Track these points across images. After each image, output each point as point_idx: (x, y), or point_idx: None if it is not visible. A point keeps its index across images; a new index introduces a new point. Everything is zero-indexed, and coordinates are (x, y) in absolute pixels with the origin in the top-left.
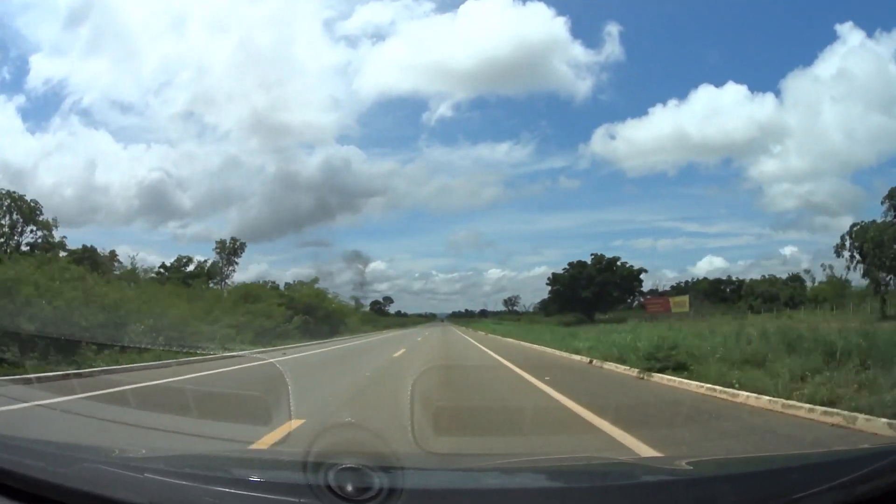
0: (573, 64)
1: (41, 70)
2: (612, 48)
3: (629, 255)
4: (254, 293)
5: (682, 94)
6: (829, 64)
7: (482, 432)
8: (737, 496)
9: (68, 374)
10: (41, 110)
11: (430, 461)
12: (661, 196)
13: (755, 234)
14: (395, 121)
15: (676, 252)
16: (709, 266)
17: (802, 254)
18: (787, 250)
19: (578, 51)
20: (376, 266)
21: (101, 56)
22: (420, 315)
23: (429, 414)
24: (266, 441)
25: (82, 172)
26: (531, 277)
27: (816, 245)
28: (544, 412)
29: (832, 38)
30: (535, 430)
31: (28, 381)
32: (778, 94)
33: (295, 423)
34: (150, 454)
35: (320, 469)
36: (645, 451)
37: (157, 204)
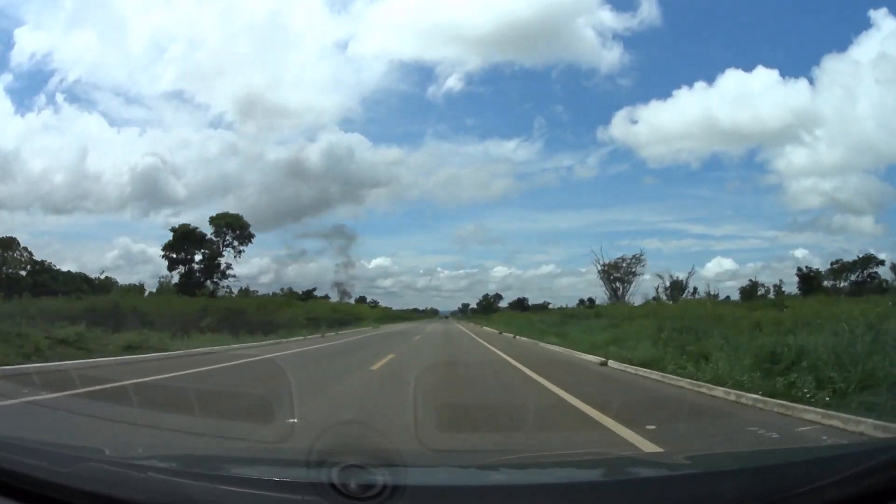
0: (600, 30)
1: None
2: (649, 10)
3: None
4: None
5: (709, 76)
6: (863, 50)
7: None
8: (739, 491)
9: None
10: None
11: (434, 458)
12: (672, 196)
13: (769, 236)
14: (401, 101)
15: (684, 254)
16: (718, 268)
17: (814, 256)
18: (799, 252)
19: (607, 15)
20: (380, 262)
21: (83, 30)
22: (416, 310)
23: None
24: None
25: (68, 156)
26: (538, 276)
27: (828, 248)
28: None
29: (866, 24)
30: None
31: None
32: (812, 81)
33: None
34: (152, 453)
35: (323, 467)
36: None
37: (147, 190)
